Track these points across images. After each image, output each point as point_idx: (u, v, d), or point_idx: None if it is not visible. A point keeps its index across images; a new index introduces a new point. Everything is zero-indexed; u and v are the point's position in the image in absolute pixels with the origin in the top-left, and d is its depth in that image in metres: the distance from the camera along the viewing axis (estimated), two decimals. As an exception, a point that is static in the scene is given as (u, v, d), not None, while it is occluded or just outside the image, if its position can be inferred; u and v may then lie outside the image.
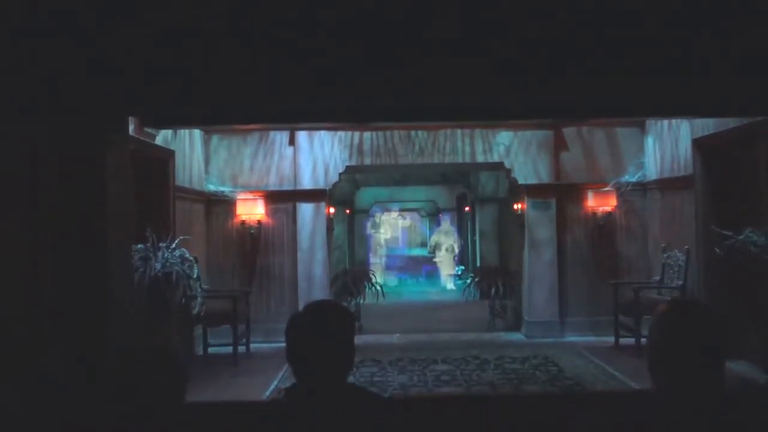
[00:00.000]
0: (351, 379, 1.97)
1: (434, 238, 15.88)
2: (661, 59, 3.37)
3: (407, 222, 17.42)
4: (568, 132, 8.50)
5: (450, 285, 14.46)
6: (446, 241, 14.66)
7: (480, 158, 8.54)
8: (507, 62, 3.36)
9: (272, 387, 6.10)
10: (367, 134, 8.43)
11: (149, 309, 5.70)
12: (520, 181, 8.50)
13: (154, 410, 1.73)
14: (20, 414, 2.87)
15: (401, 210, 17.66)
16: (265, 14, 3.29)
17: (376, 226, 15.66)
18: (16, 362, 3.11)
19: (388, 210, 17.19)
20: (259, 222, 8.40)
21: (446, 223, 15.12)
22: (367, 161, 8.52)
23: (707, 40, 3.31)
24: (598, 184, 8.42)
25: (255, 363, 7.12)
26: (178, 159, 7.22)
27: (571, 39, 3.33)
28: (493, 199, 12.31)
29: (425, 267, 16.15)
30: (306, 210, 8.47)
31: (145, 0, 3.28)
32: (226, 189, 8.41)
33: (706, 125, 6.74)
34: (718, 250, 6.15)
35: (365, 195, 16.05)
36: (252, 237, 8.40)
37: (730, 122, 6.22)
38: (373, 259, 14.98)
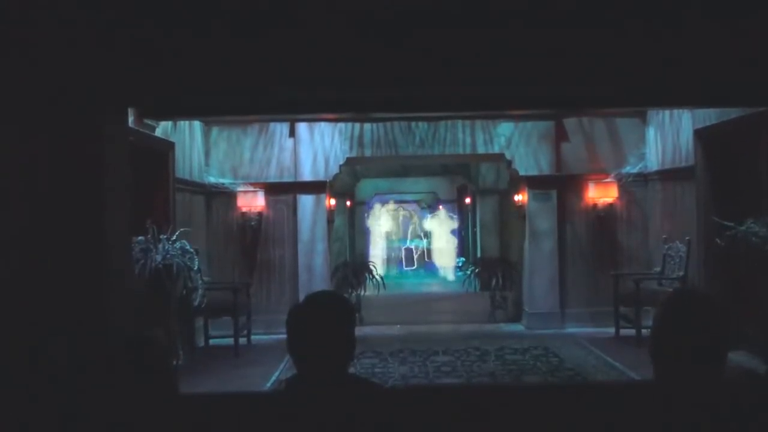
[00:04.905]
0: (352, 370, 1.97)
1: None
2: (662, 49, 3.35)
3: (407, 213, 17.41)
4: (569, 123, 8.47)
5: (450, 276, 14.47)
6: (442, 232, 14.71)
7: (481, 149, 8.52)
8: (507, 53, 3.34)
9: (273, 378, 6.12)
10: (367, 126, 8.41)
11: (150, 301, 5.70)
12: (521, 173, 8.48)
13: (139, 400, 1.72)
14: (22, 409, 2.87)
15: (401, 202, 17.64)
16: (265, 5, 3.27)
17: (375, 218, 15.67)
18: (17, 357, 3.10)
19: (387, 202, 17.18)
20: (259, 214, 8.39)
21: (443, 212, 15.17)
22: (368, 153, 8.50)
23: (710, 27, 3.29)
24: (599, 175, 8.40)
25: (256, 354, 7.13)
26: (178, 151, 7.20)
27: (571, 29, 3.31)
28: (494, 191, 12.30)
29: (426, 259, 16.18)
30: (306, 202, 8.46)
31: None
32: (226, 181, 8.39)
33: (708, 116, 6.72)
34: (719, 241, 6.14)
35: (366, 186, 16.02)
36: (252, 229, 8.39)
37: (731, 113, 6.20)
38: (373, 251, 14.99)
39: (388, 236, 16.18)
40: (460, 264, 14.61)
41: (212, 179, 8.37)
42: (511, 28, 3.29)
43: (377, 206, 15.97)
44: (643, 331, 6.99)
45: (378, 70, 3.41)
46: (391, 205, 16.90)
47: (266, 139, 8.50)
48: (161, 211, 6.60)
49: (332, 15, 3.26)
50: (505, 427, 1.97)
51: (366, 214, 15.63)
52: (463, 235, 15.75)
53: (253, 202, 8.32)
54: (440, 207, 16.34)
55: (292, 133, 8.47)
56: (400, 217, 17.20)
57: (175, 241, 6.15)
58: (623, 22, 3.30)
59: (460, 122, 8.42)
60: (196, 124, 7.99)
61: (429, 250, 16.10)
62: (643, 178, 8.38)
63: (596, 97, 4.78)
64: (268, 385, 5.88)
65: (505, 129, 8.46)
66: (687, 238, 7.19)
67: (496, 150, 8.50)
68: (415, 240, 16.45)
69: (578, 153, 8.49)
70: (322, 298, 1.99)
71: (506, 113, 8.08)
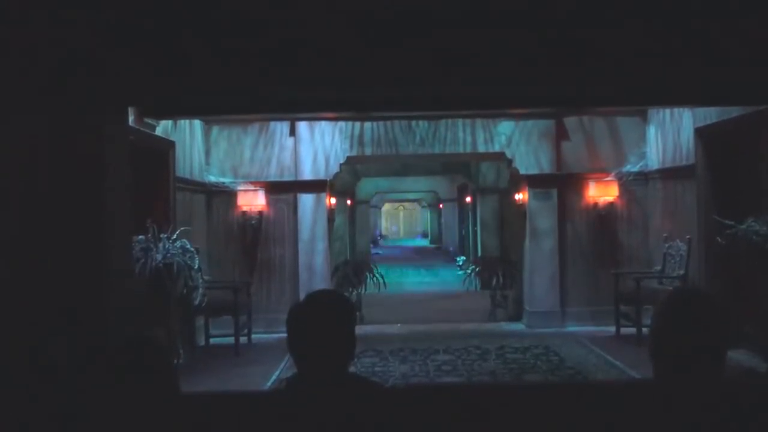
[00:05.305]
0: (352, 369, 1.97)
1: None
2: (663, 47, 3.35)
3: (408, 212, 17.44)
4: (570, 121, 8.47)
5: (450, 275, 14.49)
6: None
7: (481, 148, 8.52)
8: (509, 51, 3.34)
9: (273, 377, 6.12)
10: (367, 124, 8.41)
11: (150, 301, 5.70)
12: (522, 171, 8.48)
13: (140, 400, 1.72)
14: (22, 409, 2.87)
15: (401, 200, 17.66)
16: (265, 5, 3.27)
17: (376, 218, 15.70)
18: (17, 357, 3.11)
19: (388, 201, 17.19)
20: (259, 213, 8.39)
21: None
22: (368, 151, 8.50)
23: (710, 27, 3.29)
24: (599, 174, 8.40)
25: (256, 353, 7.14)
26: (179, 150, 7.20)
27: (572, 27, 3.31)
28: (494, 190, 12.31)
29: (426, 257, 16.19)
30: (307, 201, 8.46)
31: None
32: (226, 180, 8.40)
33: (709, 114, 6.71)
34: (719, 240, 6.14)
35: (366, 186, 16.03)
36: (253, 228, 8.39)
37: (732, 111, 6.20)
38: (374, 250, 15.01)
39: (388, 235, 16.20)
40: (460, 263, 14.62)
41: (213, 178, 8.37)
42: (511, 28, 3.29)
43: (378, 205, 15.99)
44: (644, 329, 6.98)
45: (378, 70, 3.41)
46: (392, 204, 16.91)
47: (266, 138, 8.50)
48: (161, 210, 6.59)
49: (332, 15, 3.26)
50: (506, 426, 1.97)
51: (367, 213, 15.63)
52: (463, 234, 15.75)
53: (254, 201, 8.33)
54: (441, 206, 16.37)
55: (292, 132, 8.47)
56: (401, 216, 17.22)
57: (175, 240, 6.15)
58: (623, 22, 3.30)
59: (460, 121, 8.42)
60: (197, 123, 8.00)
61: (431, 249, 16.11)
62: (643, 176, 8.38)
63: (596, 96, 4.78)
64: (269, 384, 5.88)
65: (505, 128, 8.45)
66: (687, 236, 7.18)
67: (497, 149, 8.50)
68: (415, 238, 16.47)
69: (579, 152, 8.48)
70: (322, 297, 1.99)
71: (507, 112, 8.08)
